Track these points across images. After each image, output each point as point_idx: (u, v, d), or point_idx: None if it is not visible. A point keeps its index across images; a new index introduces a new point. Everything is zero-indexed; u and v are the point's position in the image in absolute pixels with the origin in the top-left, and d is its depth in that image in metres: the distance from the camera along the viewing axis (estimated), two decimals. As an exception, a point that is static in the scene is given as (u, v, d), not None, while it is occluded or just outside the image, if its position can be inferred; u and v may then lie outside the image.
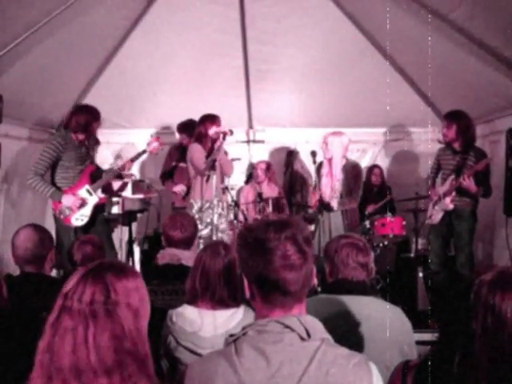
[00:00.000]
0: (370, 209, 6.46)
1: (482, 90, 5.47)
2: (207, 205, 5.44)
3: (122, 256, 6.44)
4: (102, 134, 5.97)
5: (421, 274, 5.61)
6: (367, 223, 6.00)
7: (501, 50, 4.59)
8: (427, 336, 4.00)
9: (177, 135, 6.84)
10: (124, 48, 5.86)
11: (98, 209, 5.28)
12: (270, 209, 6.27)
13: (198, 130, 5.53)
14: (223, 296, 2.54)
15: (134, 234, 6.56)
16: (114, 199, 6.28)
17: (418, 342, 2.80)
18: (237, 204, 6.07)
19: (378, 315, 2.51)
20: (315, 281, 1.67)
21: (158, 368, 2.32)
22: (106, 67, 6.11)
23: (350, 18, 5.50)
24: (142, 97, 6.60)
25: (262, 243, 1.54)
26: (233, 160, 5.91)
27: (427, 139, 6.75)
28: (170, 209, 6.48)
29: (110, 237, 5.64)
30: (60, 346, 1.48)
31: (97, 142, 6.21)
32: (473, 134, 5.37)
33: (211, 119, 5.48)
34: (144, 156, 5.78)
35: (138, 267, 6.41)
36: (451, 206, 5.29)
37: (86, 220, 5.10)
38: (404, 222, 5.92)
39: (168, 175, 6.59)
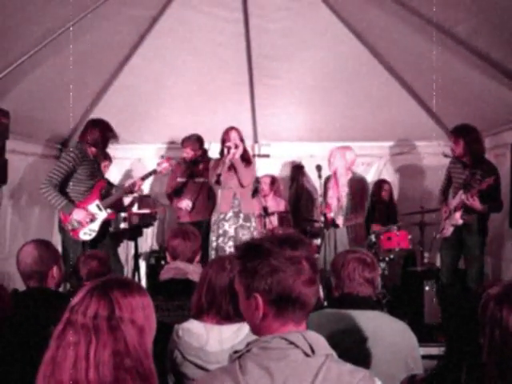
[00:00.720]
0: (375, 228, 6.46)
1: (486, 103, 5.48)
2: (222, 216, 5.56)
3: (128, 271, 6.45)
4: (108, 149, 6.01)
5: (427, 288, 5.58)
6: (373, 237, 5.99)
7: (505, 63, 4.60)
8: (434, 350, 3.98)
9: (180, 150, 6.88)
10: (130, 63, 5.90)
11: (106, 224, 5.30)
12: (275, 223, 6.28)
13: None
14: (229, 311, 2.53)
15: (139, 249, 6.58)
16: (122, 215, 6.32)
17: (425, 357, 2.79)
18: (267, 213, 6.11)
19: (384, 330, 2.51)
20: (321, 294, 1.69)
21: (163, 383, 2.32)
22: (112, 83, 6.14)
23: (354, 33, 5.52)
24: (148, 112, 6.64)
25: (283, 260, 1.55)
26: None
27: (432, 153, 6.79)
28: (175, 224, 6.48)
29: (116, 251, 5.68)
30: (62, 359, 1.50)
31: (108, 159, 6.26)
32: (481, 148, 5.33)
33: (223, 135, 5.65)
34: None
35: (143, 282, 6.43)
36: (461, 221, 5.26)
37: (93, 235, 5.12)
38: (410, 236, 5.91)
39: (175, 193, 6.50)
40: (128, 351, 1.52)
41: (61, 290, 4.38)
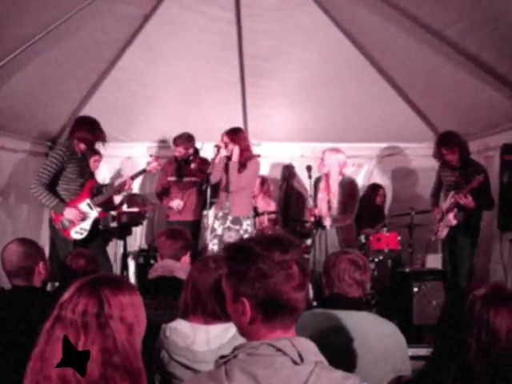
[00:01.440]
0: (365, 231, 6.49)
1: (476, 105, 5.52)
2: (216, 214, 5.62)
3: (116, 269, 6.42)
4: (97, 147, 5.99)
5: (416, 289, 5.60)
6: (362, 238, 6.01)
7: (495, 66, 4.63)
8: (422, 351, 3.99)
9: (171, 149, 6.86)
10: (121, 62, 5.88)
11: (96, 223, 5.28)
12: (265, 223, 6.28)
13: None
14: (215, 310, 2.53)
15: (128, 248, 6.55)
16: (112, 213, 6.30)
17: (414, 357, 2.80)
18: (257, 213, 6.08)
19: (372, 330, 2.51)
20: (310, 294, 1.67)
21: (150, 383, 2.31)
22: (102, 81, 6.12)
23: (346, 34, 5.53)
24: (138, 111, 6.62)
25: (273, 264, 1.50)
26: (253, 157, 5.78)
27: (422, 154, 6.82)
28: (164, 223, 6.46)
29: (105, 250, 5.65)
30: (50, 354, 1.50)
31: (98, 154, 6.23)
32: (468, 150, 5.55)
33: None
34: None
35: (132, 281, 6.40)
36: (454, 222, 5.38)
37: (85, 234, 5.10)
38: (399, 237, 5.94)
39: (164, 192, 6.47)
40: (116, 348, 1.52)
41: (49, 288, 4.37)
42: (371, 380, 2.31)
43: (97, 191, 5.34)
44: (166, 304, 2.89)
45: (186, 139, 6.21)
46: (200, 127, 6.39)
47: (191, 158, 6.29)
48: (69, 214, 4.99)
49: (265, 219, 6.32)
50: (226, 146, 5.47)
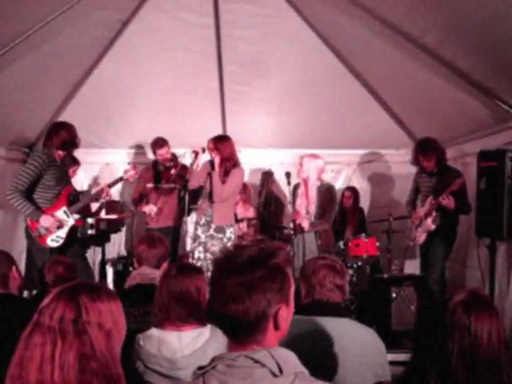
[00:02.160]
0: (348, 234, 6.52)
1: (453, 112, 5.58)
2: (197, 220, 5.57)
3: (95, 277, 6.36)
4: (76, 153, 5.93)
5: (394, 295, 5.63)
6: (341, 244, 6.04)
7: (471, 74, 4.68)
8: (401, 356, 4.00)
9: (149, 155, 6.83)
10: (99, 68, 5.85)
11: (73, 230, 5.22)
12: (245, 229, 6.28)
13: None
14: (181, 316, 2.53)
15: (107, 255, 6.50)
16: (89, 220, 6.24)
17: (393, 363, 2.80)
18: (236, 219, 6.08)
19: (352, 336, 2.52)
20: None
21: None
22: (80, 87, 6.08)
23: (324, 42, 5.56)
24: (117, 117, 6.59)
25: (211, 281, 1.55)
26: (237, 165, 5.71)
27: (400, 161, 6.88)
28: (143, 230, 6.40)
29: (84, 257, 5.59)
30: (29, 360, 1.50)
31: (76, 163, 6.18)
32: (445, 156, 5.64)
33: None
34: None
35: (110, 288, 6.34)
36: (433, 227, 5.45)
37: (61, 242, 5.04)
38: (377, 243, 5.97)
39: (141, 199, 6.41)
40: (94, 355, 1.52)
41: (25, 295, 4.32)
42: (349, 385, 2.32)
43: (74, 198, 5.28)
44: (144, 311, 2.88)
45: (165, 141, 6.17)
46: (179, 133, 6.38)
47: (171, 163, 6.26)
48: (45, 221, 4.93)
49: (244, 226, 6.32)
50: (204, 151, 5.45)
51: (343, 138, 6.97)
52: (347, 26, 5.13)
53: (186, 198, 5.26)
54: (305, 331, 2.47)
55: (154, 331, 2.54)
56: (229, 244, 5.41)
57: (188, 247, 5.55)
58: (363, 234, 6.03)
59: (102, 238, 6.43)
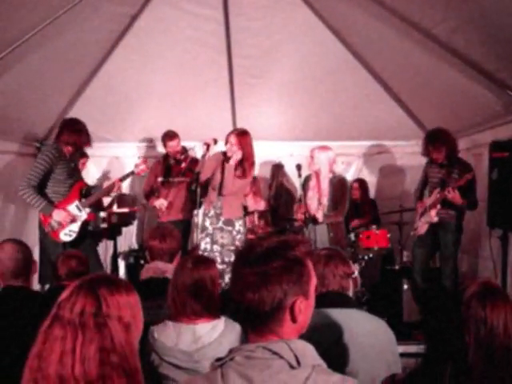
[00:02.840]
0: (354, 223, 6.51)
1: (465, 103, 5.54)
2: (205, 212, 5.56)
3: (107, 270, 6.40)
4: (86, 147, 5.97)
5: (406, 286, 5.63)
6: (352, 236, 6.03)
7: (483, 64, 4.65)
8: (412, 348, 4.01)
9: (159, 149, 6.84)
10: (109, 62, 5.85)
11: (85, 224, 5.25)
12: (255, 222, 6.28)
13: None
14: (196, 310, 2.54)
15: (118, 248, 6.53)
16: (102, 214, 6.27)
17: (403, 354, 2.81)
18: (247, 212, 6.10)
19: (363, 327, 2.52)
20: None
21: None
22: (91, 81, 6.09)
23: (334, 33, 5.53)
24: (127, 110, 6.60)
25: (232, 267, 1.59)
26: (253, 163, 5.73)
27: (411, 152, 6.85)
28: (155, 223, 6.42)
29: (96, 251, 5.62)
30: (49, 353, 1.50)
31: (85, 156, 6.21)
32: (457, 148, 5.53)
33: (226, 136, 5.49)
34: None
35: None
36: (436, 219, 5.37)
37: (74, 236, 5.07)
38: (389, 235, 5.95)
39: (152, 193, 6.44)
40: (114, 348, 1.53)
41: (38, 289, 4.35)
42: (364, 376, 2.33)
43: (86, 193, 5.31)
44: (157, 304, 2.89)
45: (176, 133, 6.19)
46: (189, 127, 6.38)
47: (182, 157, 6.27)
48: (57, 215, 4.97)
49: (255, 218, 6.32)
50: (216, 143, 5.44)
51: (354, 130, 6.94)
52: (357, 18, 5.10)
53: (198, 190, 5.26)
54: (315, 322, 2.46)
55: (168, 324, 2.55)
56: (238, 237, 5.44)
57: (194, 237, 5.55)
58: (374, 226, 6.01)
59: (113, 232, 6.46)
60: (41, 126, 6.40)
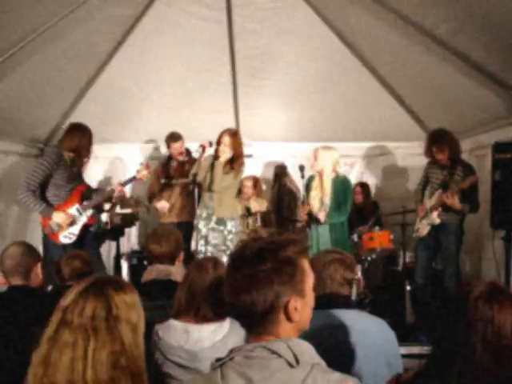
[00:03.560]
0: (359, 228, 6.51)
1: (468, 104, 5.54)
2: (198, 214, 5.62)
3: (109, 271, 6.41)
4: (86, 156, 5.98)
5: (408, 288, 5.63)
6: (355, 237, 6.02)
7: (485, 65, 4.65)
8: (415, 349, 4.01)
9: (162, 150, 6.85)
10: (112, 63, 5.86)
11: (86, 227, 5.25)
12: (258, 223, 6.28)
13: None
14: (207, 313, 2.54)
15: (121, 249, 6.53)
16: (103, 219, 6.27)
17: (406, 356, 2.81)
18: (250, 213, 6.13)
19: (364, 327, 2.53)
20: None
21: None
22: (93, 82, 6.09)
23: (337, 34, 5.54)
24: (129, 111, 6.61)
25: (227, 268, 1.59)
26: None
27: (413, 153, 6.84)
28: (157, 224, 6.42)
29: (98, 252, 5.62)
30: (57, 359, 1.48)
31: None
32: (459, 149, 5.50)
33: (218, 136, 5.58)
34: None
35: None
36: (438, 221, 5.35)
37: (74, 238, 5.07)
38: (391, 236, 5.95)
39: (155, 195, 6.45)
40: (124, 350, 1.52)
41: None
42: (365, 375, 2.33)
43: (87, 196, 5.29)
44: (160, 305, 2.89)
45: (180, 135, 6.20)
46: (191, 127, 6.39)
47: (186, 158, 6.28)
48: (57, 217, 4.96)
49: (258, 219, 6.32)
50: (211, 145, 5.49)
51: (357, 131, 6.94)
52: (360, 19, 5.10)
53: (196, 191, 5.32)
54: (316, 323, 2.48)
55: (174, 323, 2.55)
56: (229, 237, 5.47)
57: (193, 242, 5.61)
58: (377, 227, 6.01)
59: (116, 233, 6.46)
60: (44, 127, 6.41)
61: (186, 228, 6.11)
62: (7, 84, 4.98)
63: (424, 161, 5.84)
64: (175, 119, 6.56)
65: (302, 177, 5.43)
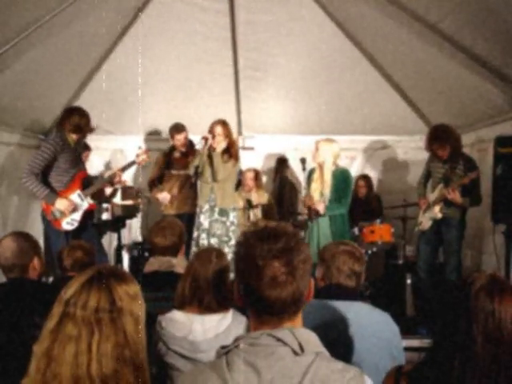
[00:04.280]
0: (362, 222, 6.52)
1: (469, 98, 5.53)
2: (199, 209, 5.71)
3: (111, 262, 6.42)
4: (91, 140, 5.99)
5: (409, 281, 5.64)
6: (356, 230, 6.03)
7: (488, 59, 4.64)
8: (416, 342, 4.02)
9: (163, 142, 6.84)
10: (114, 55, 5.86)
11: (88, 215, 5.27)
12: (259, 215, 6.29)
13: None
14: (211, 304, 2.55)
15: (122, 241, 6.54)
16: (104, 205, 6.28)
17: (407, 349, 2.82)
18: (251, 205, 6.17)
19: (368, 319, 2.54)
20: (311, 292, 1.63)
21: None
22: (95, 74, 6.10)
23: (339, 27, 5.53)
24: (131, 103, 6.58)
25: (252, 259, 1.49)
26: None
27: (415, 147, 6.84)
28: (159, 216, 6.42)
29: (100, 242, 5.64)
30: (60, 352, 1.47)
31: (87, 149, 6.23)
32: (460, 144, 5.48)
33: (209, 127, 5.68)
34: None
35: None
36: (440, 215, 5.36)
37: (75, 225, 5.09)
38: (392, 229, 5.95)
39: (155, 183, 6.43)
40: (127, 342, 1.51)
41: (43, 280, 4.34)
42: (369, 367, 2.34)
43: (88, 182, 5.31)
44: (162, 296, 2.90)
45: (184, 127, 6.20)
46: (193, 120, 6.38)
47: (188, 150, 6.27)
48: (60, 204, 4.97)
49: (259, 211, 6.33)
50: (214, 137, 5.52)
51: (358, 124, 6.94)
52: (363, 12, 5.09)
53: (198, 183, 5.34)
54: (321, 314, 2.49)
55: (177, 314, 2.56)
56: (232, 228, 5.52)
57: (196, 236, 5.64)
58: (378, 220, 6.02)
59: (117, 224, 6.47)
60: (45, 118, 6.41)
61: (189, 219, 6.12)
62: (9, 75, 4.97)
63: (425, 154, 5.83)
64: (176, 111, 6.55)
65: (304, 169, 5.43)
